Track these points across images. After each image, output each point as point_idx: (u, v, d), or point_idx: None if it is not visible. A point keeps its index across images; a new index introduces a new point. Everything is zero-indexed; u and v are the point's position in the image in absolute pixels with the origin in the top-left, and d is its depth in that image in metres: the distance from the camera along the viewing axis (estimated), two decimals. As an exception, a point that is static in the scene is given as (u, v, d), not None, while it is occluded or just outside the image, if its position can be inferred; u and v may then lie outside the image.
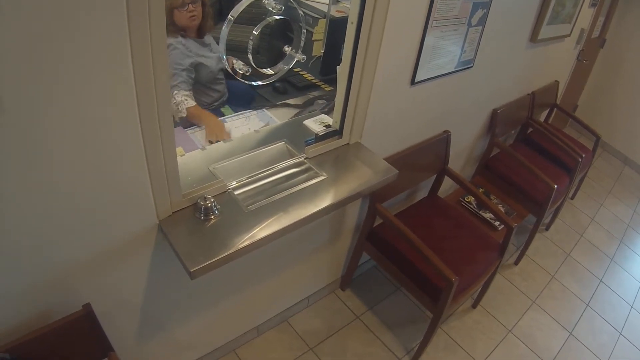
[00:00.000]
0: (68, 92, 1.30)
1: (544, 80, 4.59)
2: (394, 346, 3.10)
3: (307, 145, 2.41)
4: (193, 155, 2.32)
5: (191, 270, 1.67)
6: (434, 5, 2.36)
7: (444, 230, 3.09)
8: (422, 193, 3.46)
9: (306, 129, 2.57)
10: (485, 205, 3.35)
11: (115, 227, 1.73)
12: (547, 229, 4.67)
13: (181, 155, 2.31)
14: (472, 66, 3.02)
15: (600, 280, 4.36)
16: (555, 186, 3.55)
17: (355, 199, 2.30)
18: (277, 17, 2.24)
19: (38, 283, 1.62)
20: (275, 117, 3.07)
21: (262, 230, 1.89)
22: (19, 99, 1.23)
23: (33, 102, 1.25)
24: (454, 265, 2.62)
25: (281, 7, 2.16)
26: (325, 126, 2.51)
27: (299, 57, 2.37)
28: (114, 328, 1.94)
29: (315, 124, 2.57)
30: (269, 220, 1.95)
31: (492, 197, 3.81)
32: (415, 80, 2.58)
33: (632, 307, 4.21)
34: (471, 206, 3.65)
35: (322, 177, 2.27)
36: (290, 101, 3.33)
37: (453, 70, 2.86)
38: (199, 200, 1.89)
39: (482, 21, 2.85)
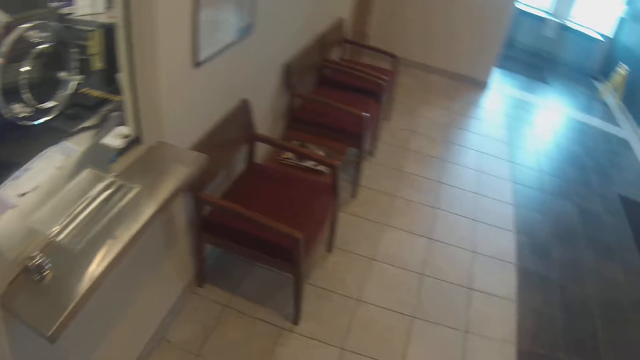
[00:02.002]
0: None
1: (328, 21, 4.79)
2: (272, 317, 3.17)
3: (112, 163, 2.39)
4: (7, 217, 2.13)
5: (48, 335, 1.62)
6: None
7: (273, 193, 3.18)
8: (241, 165, 3.52)
9: (107, 147, 2.52)
10: (303, 155, 3.46)
11: None
12: (372, 155, 4.93)
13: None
14: (252, 30, 3.07)
15: (439, 182, 4.74)
16: (365, 114, 3.72)
17: (174, 198, 2.31)
18: (45, 46, 2.16)
19: None
20: (77, 145, 2.96)
21: (99, 265, 1.87)
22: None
23: None
24: (295, 222, 2.74)
25: (48, 35, 2.09)
26: (124, 137, 2.48)
27: (75, 79, 2.32)
28: None
29: (114, 138, 2.53)
30: (102, 252, 1.93)
31: (308, 146, 3.93)
32: (200, 61, 2.59)
33: (475, 193, 4.60)
34: (291, 161, 3.78)
35: (136, 189, 2.25)
36: (87, 124, 3.23)
37: (236, 39, 2.90)
38: (27, 263, 1.81)
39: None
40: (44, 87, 2.71)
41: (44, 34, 2.10)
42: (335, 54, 5.24)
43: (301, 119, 4.12)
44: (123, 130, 2.53)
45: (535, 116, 7.07)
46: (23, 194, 2.56)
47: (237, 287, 3.34)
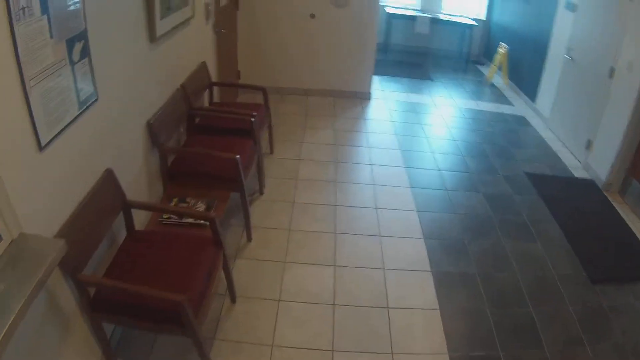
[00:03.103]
0: None
1: (190, 67, 4.80)
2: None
3: None
4: None
5: None
6: (21, 63, 2.29)
7: (155, 257, 3.12)
8: (123, 233, 3.44)
9: None
10: (179, 214, 3.43)
11: None
12: (262, 193, 4.95)
13: None
14: (96, 99, 3.02)
15: (336, 205, 4.82)
16: (235, 156, 3.74)
17: (37, 295, 2.23)
18: None
19: None
20: None
21: None
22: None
23: None
24: (180, 283, 2.74)
25: None
26: None
27: None
28: None
29: None
30: None
31: (188, 200, 3.89)
32: (44, 143, 2.51)
33: (375, 208, 4.76)
34: (173, 220, 3.69)
35: None
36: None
37: (79, 113, 2.84)
38: None
39: (86, 52, 2.87)
40: None
41: None
42: (205, 99, 5.27)
43: (178, 173, 4.08)
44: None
45: (424, 116, 7.31)
46: None
47: (147, 356, 3.25)
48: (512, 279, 4.05)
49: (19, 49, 2.26)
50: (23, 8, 2.26)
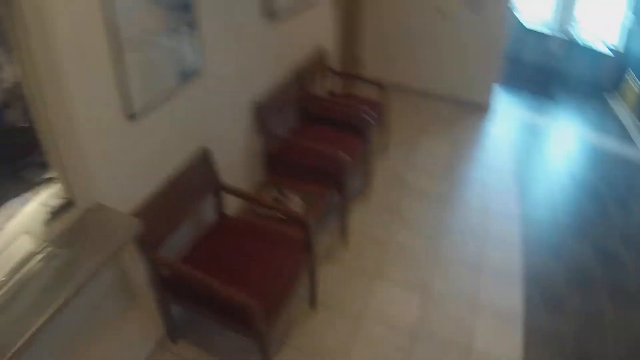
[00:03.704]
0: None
1: (307, 50, 4.63)
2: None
3: (45, 228, 2.22)
4: None
5: None
6: (116, 25, 2.19)
7: (239, 251, 2.99)
8: (212, 216, 3.31)
9: (45, 209, 2.35)
10: (275, 210, 3.25)
11: None
12: (365, 195, 4.70)
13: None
14: (202, 72, 2.90)
15: (439, 224, 4.47)
16: (343, 155, 3.52)
17: (103, 271, 2.15)
18: None
19: None
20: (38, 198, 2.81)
21: (22, 338, 1.79)
22: None
23: None
24: (258, 284, 2.60)
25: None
26: (59, 199, 2.30)
27: None
28: None
29: (52, 198, 2.35)
30: (26, 324, 1.84)
31: (285, 192, 3.71)
32: (134, 113, 2.41)
33: (478, 236, 4.37)
34: (267, 211, 3.51)
35: (64, 260, 2.11)
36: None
37: (181, 85, 2.73)
38: None
39: (192, 22, 2.73)
40: None
41: None
42: (322, 86, 5.07)
43: (279, 162, 3.93)
44: (58, 191, 2.36)
45: (544, 140, 6.74)
46: None
47: (210, 345, 3.14)
48: (604, 348, 3.62)
49: (117, 11, 2.16)
50: None
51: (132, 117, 2.41)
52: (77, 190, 2.26)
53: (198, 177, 3.05)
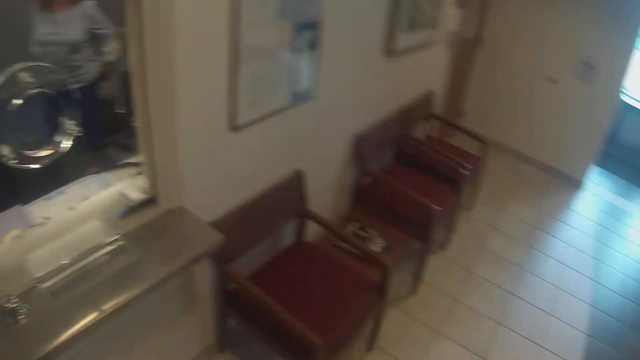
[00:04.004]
0: None
1: (415, 91, 4.45)
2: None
3: (121, 219, 2.15)
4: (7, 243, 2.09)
5: None
6: (238, 34, 2.10)
7: (312, 281, 2.85)
8: (290, 238, 3.20)
9: (124, 199, 2.28)
10: (355, 247, 3.11)
11: None
12: (443, 248, 4.47)
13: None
14: (313, 96, 2.79)
15: (510, 293, 4.21)
16: (435, 207, 3.34)
17: (172, 279, 2.06)
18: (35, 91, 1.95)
19: None
20: (118, 179, 2.75)
21: (73, 328, 1.71)
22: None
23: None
24: (325, 321, 2.47)
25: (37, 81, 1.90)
26: (144, 192, 2.22)
27: (72, 130, 2.08)
28: None
29: (133, 190, 2.28)
30: (79, 316, 1.75)
31: (368, 230, 3.56)
32: (237, 125, 2.31)
33: (547, 313, 4.07)
34: (344, 245, 3.36)
35: (135, 258, 2.01)
36: (137, 158, 2.99)
37: (288, 105, 2.62)
38: (2, 302, 1.70)
39: (313, 44, 2.60)
40: (39, 130, 2.50)
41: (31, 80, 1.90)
42: (421, 129, 4.90)
43: (368, 198, 3.77)
44: (141, 184, 2.28)
45: (630, 229, 6.33)
46: (47, 218, 2.36)
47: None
48: None
49: (243, 19, 2.07)
50: None
51: (234, 128, 2.31)
52: (162, 188, 2.17)
53: (287, 198, 2.95)
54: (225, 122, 2.27)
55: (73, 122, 2.09)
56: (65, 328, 1.70)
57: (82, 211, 2.25)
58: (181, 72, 1.95)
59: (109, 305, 1.81)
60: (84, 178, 2.79)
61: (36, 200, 2.63)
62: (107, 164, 3.13)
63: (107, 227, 2.12)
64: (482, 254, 4.58)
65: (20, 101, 1.94)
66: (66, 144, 2.13)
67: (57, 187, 2.72)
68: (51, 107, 2.09)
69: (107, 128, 3.98)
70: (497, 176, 6.04)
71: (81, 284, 1.89)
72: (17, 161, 1.99)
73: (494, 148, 6.35)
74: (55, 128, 2.13)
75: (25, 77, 1.91)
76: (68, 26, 3.47)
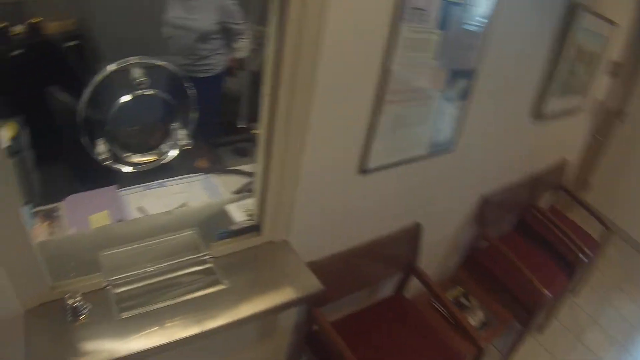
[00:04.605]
0: None
1: (550, 159, 4.00)
2: None
3: (218, 240, 1.87)
4: (86, 234, 2.05)
5: None
6: (390, 72, 1.78)
7: (398, 340, 2.51)
8: (388, 289, 2.85)
9: (226, 217, 2.03)
10: (452, 316, 2.74)
11: None
12: (540, 330, 3.98)
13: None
14: (451, 149, 2.43)
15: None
16: (547, 293, 2.93)
17: (255, 320, 1.79)
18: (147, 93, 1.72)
19: None
20: (224, 186, 2.54)
21: (125, 347, 1.52)
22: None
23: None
24: None
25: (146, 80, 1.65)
26: (249, 215, 1.95)
27: (181, 140, 1.83)
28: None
29: (239, 211, 2.02)
30: (139, 335, 1.56)
31: (470, 300, 3.17)
32: (367, 168, 1.98)
33: None
34: (444, 310, 2.98)
35: (222, 287, 1.74)
36: (247, 167, 2.73)
37: (424, 154, 2.27)
38: (66, 298, 1.56)
39: (465, 94, 2.25)
40: (146, 134, 2.26)
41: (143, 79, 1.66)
42: (546, 199, 4.43)
43: (478, 263, 3.37)
44: (250, 206, 2.01)
45: None
46: (141, 210, 2.31)
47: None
48: None
49: (396, 58, 1.76)
50: (418, 9, 1.73)
51: (362, 171, 1.99)
52: (271, 218, 1.87)
53: (398, 251, 2.61)
54: (354, 162, 1.95)
55: (185, 131, 1.84)
56: (121, 344, 1.52)
57: (178, 217, 2.06)
58: (318, 97, 1.65)
59: (179, 334, 1.57)
60: (189, 176, 2.58)
61: (133, 187, 2.46)
62: (216, 166, 2.92)
63: (201, 244, 1.86)
64: (576, 346, 4.06)
65: (128, 98, 1.71)
66: (172, 154, 1.88)
67: (159, 178, 2.53)
68: (162, 111, 1.85)
69: (225, 126, 3.83)
70: (610, 263, 5.43)
71: (156, 299, 1.67)
72: (111, 161, 1.79)
73: (612, 231, 5.80)
74: (164, 135, 1.89)
75: (139, 73, 1.68)
76: (201, 14, 3.37)
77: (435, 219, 2.75)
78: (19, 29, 3.67)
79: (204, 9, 3.36)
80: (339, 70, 1.65)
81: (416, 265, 2.68)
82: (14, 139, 3.16)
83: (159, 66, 1.73)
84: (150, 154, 1.89)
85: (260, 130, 1.68)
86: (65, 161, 2.65)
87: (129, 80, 1.68)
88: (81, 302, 1.59)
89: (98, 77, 1.62)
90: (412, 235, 2.59)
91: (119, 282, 1.71)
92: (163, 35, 3.37)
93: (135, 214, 2.30)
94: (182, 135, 1.83)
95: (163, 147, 1.88)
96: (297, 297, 1.77)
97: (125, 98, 1.70)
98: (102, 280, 1.70)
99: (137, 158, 1.88)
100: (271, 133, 1.66)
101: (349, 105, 1.79)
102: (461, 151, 2.53)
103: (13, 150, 3.09)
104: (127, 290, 1.70)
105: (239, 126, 2.39)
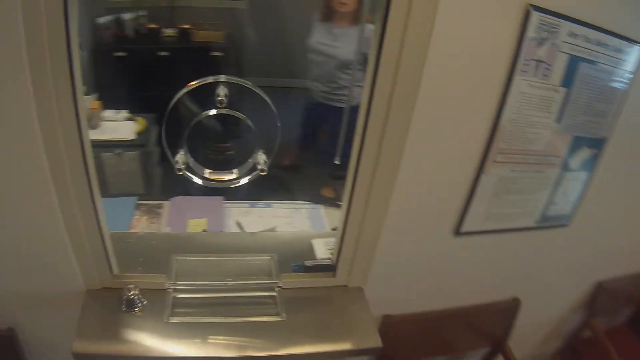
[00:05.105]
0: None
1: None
2: None
3: (292, 272, 1.78)
4: (171, 235, 2.18)
5: (72, 351, 1.49)
6: (500, 129, 1.55)
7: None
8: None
9: (310, 250, 1.91)
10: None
11: (40, 277, 1.69)
12: None
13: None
14: (566, 224, 2.14)
15: None
16: None
17: None
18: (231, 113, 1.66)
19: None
20: (330, 219, 2.46)
21: (162, 348, 1.56)
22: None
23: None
24: None
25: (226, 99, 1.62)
26: (332, 254, 1.81)
27: (259, 166, 1.75)
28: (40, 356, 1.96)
29: (324, 247, 1.90)
30: (179, 342, 1.57)
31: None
32: (462, 230, 1.76)
33: None
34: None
35: (277, 319, 1.64)
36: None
37: (533, 226, 2.00)
38: (125, 288, 1.64)
39: (589, 165, 1.96)
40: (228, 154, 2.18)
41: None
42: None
43: (578, 354, 2.96)
44: (329, 245, 1.88)
45: None
46: (238, 223, 2.37)
47: None
48: None
49: (504, 110, 1.52)
50: (538, 61, 1.47)
51: (456, 232, 1.77)
52: (347, 260, 1.72)
53: (489, 324, 2.34)
54: (448, 220, 1.73)
55: (264, 158, 1.75)
56: (160, 344, 1.56)
57: (262, 240, 2.05)
58: (412, 142, 1.48)
59: (216, 352, 1.55)
60: (298, 202, 2.58)
61: (240, 202, 2.51)
62: (329, 198, 2.81)
63: (273, 271, 1.78)
64: None
65: (211, 112, 1.64)
66: (244, 179, 1.79)
67: (270, 199, 2.59)
68: (245, 134, 1.77)
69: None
70: None
71: (209, 313, 1.67)
72: (182, 173, 1.72)
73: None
74: (245, 155, 1.81)
75: (223, 91, 1.62)
76: (343, 42, 3.32)
77: (537, 297, 2.43)
78: (170, 32, 3.81)
79: (347, 38, 3.32)
80: (439, 116, 1.46)
81: (506, 344, 2.37)
82: (141, 133, 3.24)
83: (249, 89, 1.65)
84: (225, 172, 1.81)
85: (349, 169, 1.54)
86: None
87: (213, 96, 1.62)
88: (138, 296, 1.64)
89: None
90: (507, 311, 2.29)
91: (181, 287, 1.73)
92: (308, 58, 3.39)
93: (232, 228, 2.32)
94: (261, 161, 1.73)
95: (240, 169, 1.80)
96: (350, 349, 1.60)
97: (209, 112, 1.64)
98: (165, 282, 1.72)
99: (212, 175, 1.81)
100: (356, 174, 1.51)
101: (447, 158, 1.59)
102: (577, 227, 2.20)
103: (137, 144, 3.17)
104: (186, 297, 1.71)
105: (335, 162, 2.28)
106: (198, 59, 3.85)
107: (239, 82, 1.60)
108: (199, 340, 1.55)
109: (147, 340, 1.56)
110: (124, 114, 3.29)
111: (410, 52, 1.27)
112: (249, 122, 1.66)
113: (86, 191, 1.44)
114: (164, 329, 1.59)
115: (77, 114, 1.27)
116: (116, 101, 3.32)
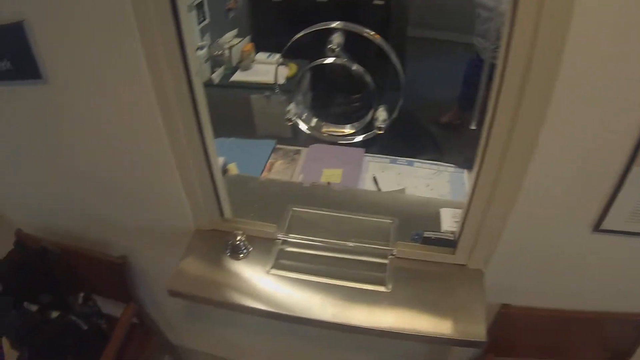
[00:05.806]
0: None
1: None
2: None
3: (410, 241, 1.64)
4: (296, 184, 2.15)
5: (167, 287, 1.56)
6: None
7: None
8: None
9: (437, 219, 1.78)
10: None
11: (156, 215, 1.76)
12: None
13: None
14: None
15: None
16: None
17: (390, 336, 1.47)
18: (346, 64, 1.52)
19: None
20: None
21: (255, 298, 1.52)
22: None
23: None
24: None
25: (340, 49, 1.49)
26: (455, 229, 1.64)
27: (377, 124, 1.58)
28: (147, 286, 2.13)
29: (451, 219, 1.75)
30: (274, 294, 1.53)
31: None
32: (603, 227, 1.51)
33: None
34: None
35: (381, 288, 1.52)
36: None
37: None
38: (233, 233, 1.64)
39: None
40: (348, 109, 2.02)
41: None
42: None
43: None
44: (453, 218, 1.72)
45: None
46: (374, 178, 2.26)
47: None
48: None
49: None
50: None
51: (596, 229, 1.53)
52: (470, 238, 1.54)
53: (620, 337, 2.05)
54: (588, 213, 1.48)
55: (385, 115, 1.59)
56: (254, 292, 1.53)
57: (389, 201, 2.00)
58: (555, 115, 1.21)
59: (308, 313, 1.47)
60: (443, 164, 2.39)
61: (380, 156, 2.39)
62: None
63: (391, 237, 1.66)
64: None
65: (328, 61, 1.53)
66: (359, 136, 1.68)
67: (411, 156, 2.42)
68: (363, 88, 1.61)
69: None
70: None
71: (313, 271, 1.58)
72: (291, 123, 1.72)
73: None
74: (360, 112, 1.67)
75: (338, 40, 1.50)
76: None
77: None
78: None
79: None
80: (586, 93, 1.18)
81: (629, 360, 2.10)
82: (291, 78, 3.18)
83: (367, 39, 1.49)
84: (341, 126, 1.70)
85: (481, 136, 1.34)
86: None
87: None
88: (244, 243, 1.63)
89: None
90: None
91: (291, 240, 1.67)
92: (477, 16, 3.16)
93: (367, 183, 2.22)
94: (381, 118, 1.57)
95: (357, 124, 1.67)
96: (449, 338, 1.43)
97: (324, 61, 1.55)
98: (275, 232, 1.67)
99: (325, 127, 1.74)
100: (487, 143, 1.31)
101: (594, 137, 1.30)
102: None
103: (284, 89, 3.11)
104: (292, 251, 1.66)
105: (471, 128, 2.09)
106: (358, 7, 3.65)
107: (358, 32, 1.44)
108: (294, 298, 1.49)
109: (242, 289, 1.54)
110: (276, 57, 3.25)
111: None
112: (367, 77, 1.51)
113: (195, 133, 1.42)
114: (263, 280, 1.56)
115: (184, 57, 1.24)
116: (270, 45, 3.26)
